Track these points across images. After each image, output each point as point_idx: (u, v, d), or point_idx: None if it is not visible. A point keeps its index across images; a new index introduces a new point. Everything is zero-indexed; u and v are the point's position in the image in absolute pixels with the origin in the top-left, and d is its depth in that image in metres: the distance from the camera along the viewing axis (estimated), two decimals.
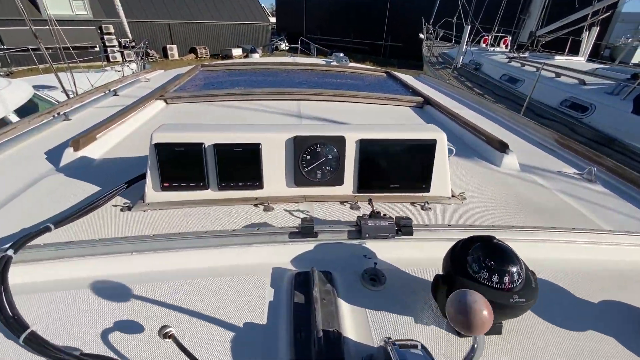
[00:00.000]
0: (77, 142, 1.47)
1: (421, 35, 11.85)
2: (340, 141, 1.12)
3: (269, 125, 1.19)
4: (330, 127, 1.19)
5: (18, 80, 4.60)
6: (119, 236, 0.92)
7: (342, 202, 1.18)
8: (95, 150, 1.53)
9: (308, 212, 1.12)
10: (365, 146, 1.13)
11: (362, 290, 0.81)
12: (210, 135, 1.09)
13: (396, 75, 3.38)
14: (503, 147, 1.67)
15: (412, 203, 1.20)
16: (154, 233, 0.94)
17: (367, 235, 0.91)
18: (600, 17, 6.65)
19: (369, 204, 0.97)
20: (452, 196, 1.25)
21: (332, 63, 3.84)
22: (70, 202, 1.14)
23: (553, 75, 5.58)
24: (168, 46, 22.55)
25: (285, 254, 0.90)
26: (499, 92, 6.19)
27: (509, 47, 9.07)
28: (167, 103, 2.30)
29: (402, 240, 0.93)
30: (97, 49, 17.91)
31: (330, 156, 1.12)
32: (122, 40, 9.68)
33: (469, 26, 7.24)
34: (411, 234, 0.93)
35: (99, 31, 19.80)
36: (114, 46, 20.23)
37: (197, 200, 1.14)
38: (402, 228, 0.93)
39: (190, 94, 2.35)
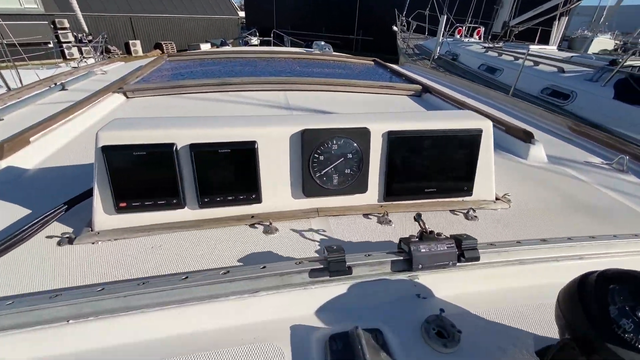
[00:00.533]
0: (1, 147, 1.10)
1: (395, 28, 11.78)
2: (363, 135, 0.85)
3: (266, 117, 0.90)
4: (347, 118, 0.92)
5: None
6: (49, 288, 0.60)
7: (366, 215, 0.91)
8: (28, 159, 1.16)
9: (324, 231, 0.84)
10: (395, 140, 0.86)
11: (431, 356, 0.55)
12: (184, 133, 0.78)
13: (385, 64, 3.15)
14: (528, 137, 1.46)
15: (452, 211, 0.96)
16: (106, 280, 0.63)
17: (421, 266, 0.65)
18: (571, 7, 6.80)
19: (416, 220, 0.71)
20: (497, 199, 1.02)
21: (313, 52, 3.55)
22: None
23: (532, 63, 5.59)
24: (131, 42, 21.31)
25: (307, 304, 0.62)
26: (479, 81, 6.11)
27: (482, 38, 9.12)
28: (127, 97, 1.92)
29: (467, 269, 0.68)
30: (51, 45, 16.56)
31: (349, 155, 0.85)
32: (79, 34, 8.88)
33: (445, 16, 7.16)
34: (478, 259, 0.68)
35: (52, 26, 18.34)
36: (69, 42, 18.88)
37: (169, 223, 0.82)
38: (466, 252, 0.67)
39: (156, 85, 1.98)
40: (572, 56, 5.96)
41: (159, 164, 0.76)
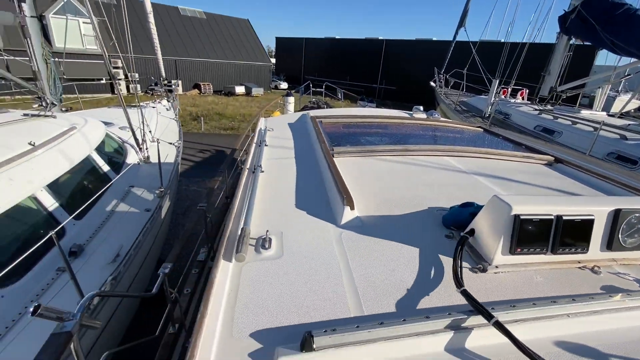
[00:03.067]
0: (349, 199, 1.45)
1: (432, 83, 12.66)
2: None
3: (593, 199, 1.32)
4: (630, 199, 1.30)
5: (92, 118, 4.51)
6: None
7: None
8: (363, 207, 1.52)
9: (625, 274, 1.20)
10: None
11: None
12: (557, 208, 1.14)
13: (493, 132, 3.53)
14: None
15: None
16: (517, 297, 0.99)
17: None
18: (623, 78, 7.43)
19: None
20: None
21: (414, 115, 3.94)
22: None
23: (591, 129, 6.02)
24: (173, 81, 22.98)
25: None
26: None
27: (524, 98, 9.75)
28: (333, 157, 2.29)
29: None
30: (104, 81, 18.01)
31: (633, 220, 1.22)
32: (154, 78, 9.76)
33: (498, 79, 7.83)
34: None
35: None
36: (120, 79, 20.69)
37: (537, 262, 1.18)
38: None
39: (355, 149, 2.38)
40: (628, 124, 6.40)
41: (541, 227, 1.12)
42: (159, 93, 9.28)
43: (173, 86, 8.98)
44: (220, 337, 0.83)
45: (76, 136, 3.73)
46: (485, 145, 2.98)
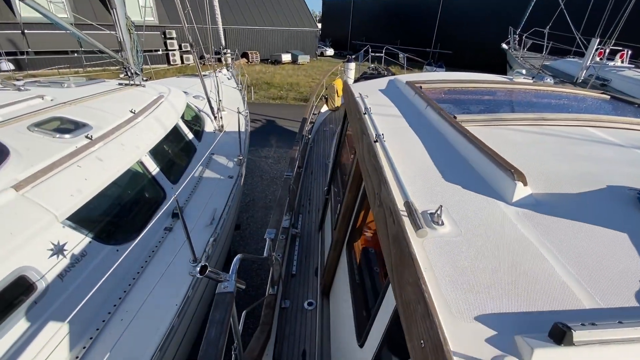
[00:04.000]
0: (519, 174, 1.27)
1: (504, 45, 11.39)
2: None
3: None
4: None
5: (174, 88, 4.64)
6: None
7: None
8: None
9: None
10: None
11: None
12: None
13: (622, 99, 3.02)
14: None
15: None
16: None
17: None
18: None
19: None
20: None
21: (515, 80, 3.47)
22: None
23: None
24: (226, 50, 23.27)
25: None
26: None
27: (624, 61, 8.37)
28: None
29: None
30: (160, 52, 18.71)
31: None
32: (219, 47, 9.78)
33: (598, 39, 6.73)
34: None
35: (163, 36, 20.70)
36: (174, 49, 21.25)
37: None
38: None
39: (481, 117, 2.12)
40: None
41: None
42: (210, 63, 9.22)
43: (221, 55, 9.00)
44: (442, 317, 0.76)
45: (165, 104, 3.85)
46: (625, 115, 2.54)
